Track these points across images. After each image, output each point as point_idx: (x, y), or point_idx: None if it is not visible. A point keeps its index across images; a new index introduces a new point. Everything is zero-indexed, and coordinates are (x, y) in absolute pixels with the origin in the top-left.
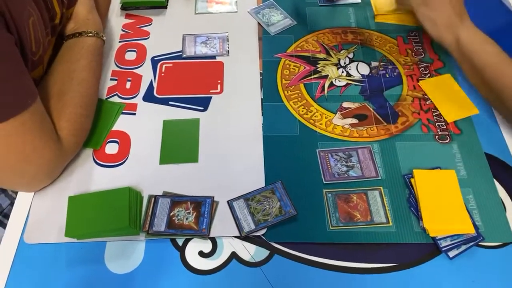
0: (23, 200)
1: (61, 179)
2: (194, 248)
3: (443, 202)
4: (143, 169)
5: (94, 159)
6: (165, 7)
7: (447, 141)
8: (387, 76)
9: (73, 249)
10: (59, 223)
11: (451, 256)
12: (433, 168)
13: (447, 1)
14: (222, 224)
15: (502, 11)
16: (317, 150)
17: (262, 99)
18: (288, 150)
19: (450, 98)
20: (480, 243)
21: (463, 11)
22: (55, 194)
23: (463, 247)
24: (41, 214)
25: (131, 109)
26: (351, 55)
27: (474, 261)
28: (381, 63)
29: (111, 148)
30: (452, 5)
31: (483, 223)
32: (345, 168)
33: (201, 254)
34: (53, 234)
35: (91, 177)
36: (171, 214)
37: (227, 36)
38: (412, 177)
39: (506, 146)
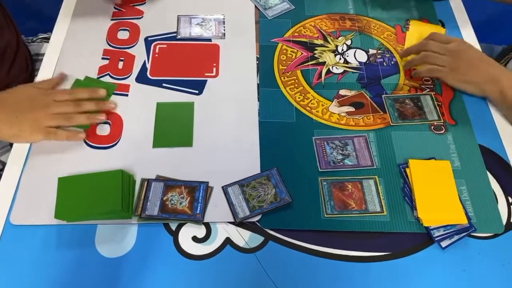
0: (10, 178)
1: (50, 160)
2: (187, 233)
3: (437, 192)
4: (135, 152)
5: (84, 140)
6: None
7: (442, 131)
8: (385, 64)
9: (63, 232)
10: (48, 205)
11: (443, 246)
12: (428, 159)
13: (475, 61)
14: (217, 209)
15: None
16: (313, 137)
17: (258, 84)
18: (284, 136)
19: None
20: (472, 234)
21: (496, 63)
22: (44, 175)
23: (456, 237)
24: (29, 194)
25: (124, 90)
26: (349, 42)
27: (465, 251)
28: (379, 51)
29: (102, 130)
30: (483, 60)
31: (475, 214)
32: (340, 157)
33: (195, 239)
34: (41, 215)
35: (81, 158)
36: (165, 198)
37: (223, 19)
38: (407, 166)
39: (500, 139)
